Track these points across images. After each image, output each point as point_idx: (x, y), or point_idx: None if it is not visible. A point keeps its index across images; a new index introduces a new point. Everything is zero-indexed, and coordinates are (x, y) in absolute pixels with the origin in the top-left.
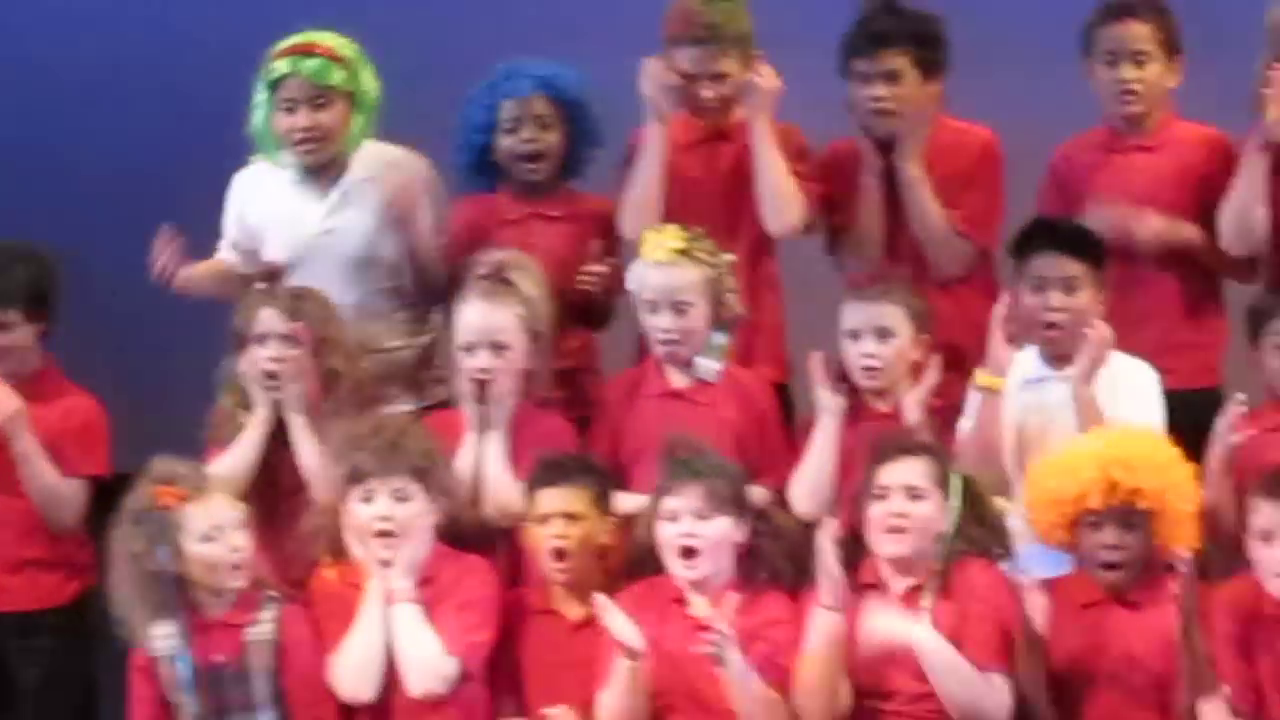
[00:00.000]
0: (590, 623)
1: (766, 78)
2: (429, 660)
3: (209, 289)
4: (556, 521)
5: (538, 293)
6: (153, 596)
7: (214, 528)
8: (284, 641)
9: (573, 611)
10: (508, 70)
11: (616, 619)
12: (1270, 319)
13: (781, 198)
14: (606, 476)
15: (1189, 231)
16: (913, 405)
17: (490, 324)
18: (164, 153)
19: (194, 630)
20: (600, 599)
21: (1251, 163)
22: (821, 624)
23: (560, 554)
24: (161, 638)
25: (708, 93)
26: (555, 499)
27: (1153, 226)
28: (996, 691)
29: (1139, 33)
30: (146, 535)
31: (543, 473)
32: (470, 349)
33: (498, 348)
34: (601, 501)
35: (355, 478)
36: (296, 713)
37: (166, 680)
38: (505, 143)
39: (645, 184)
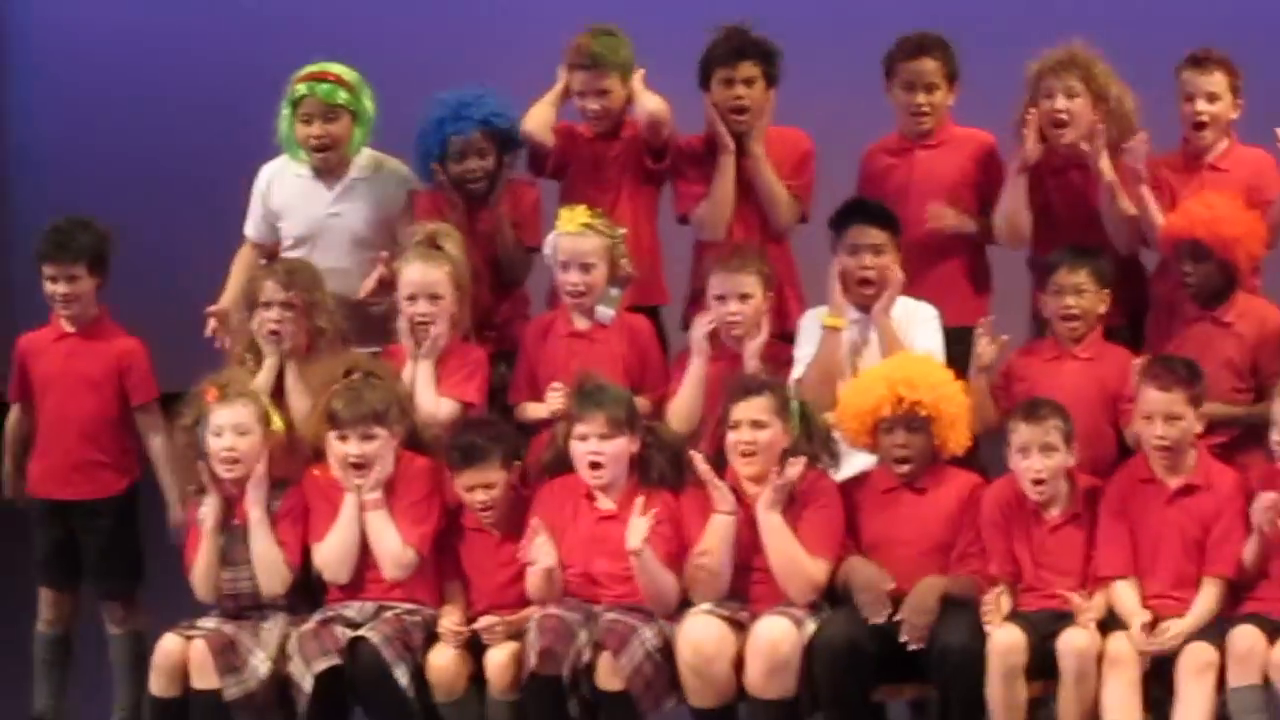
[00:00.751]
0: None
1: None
2: (394, 553)
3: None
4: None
5: (460, 255)
6: (193, 468)
7: (219, 426)
8: (275, 518)
9: None
10: (455, 110)
11: (539, 544)
12: (1053, 272)
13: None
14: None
15: (969, 224)
16: (752, 354)
17: (427, 279)
18: (195, 149)
19: (224, 499)
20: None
21: (1015, 182)
22: (719, 525)
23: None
24: (204, 504)
25: (594, 105)
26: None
27: (948, 219)
28: (814, 570)
29: (930, 67)
30: (191, 418)
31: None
32: (412, 298)
33: (432, 297)
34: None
35: (332, 423)
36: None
37: (204, 533)
38: (453, 169)
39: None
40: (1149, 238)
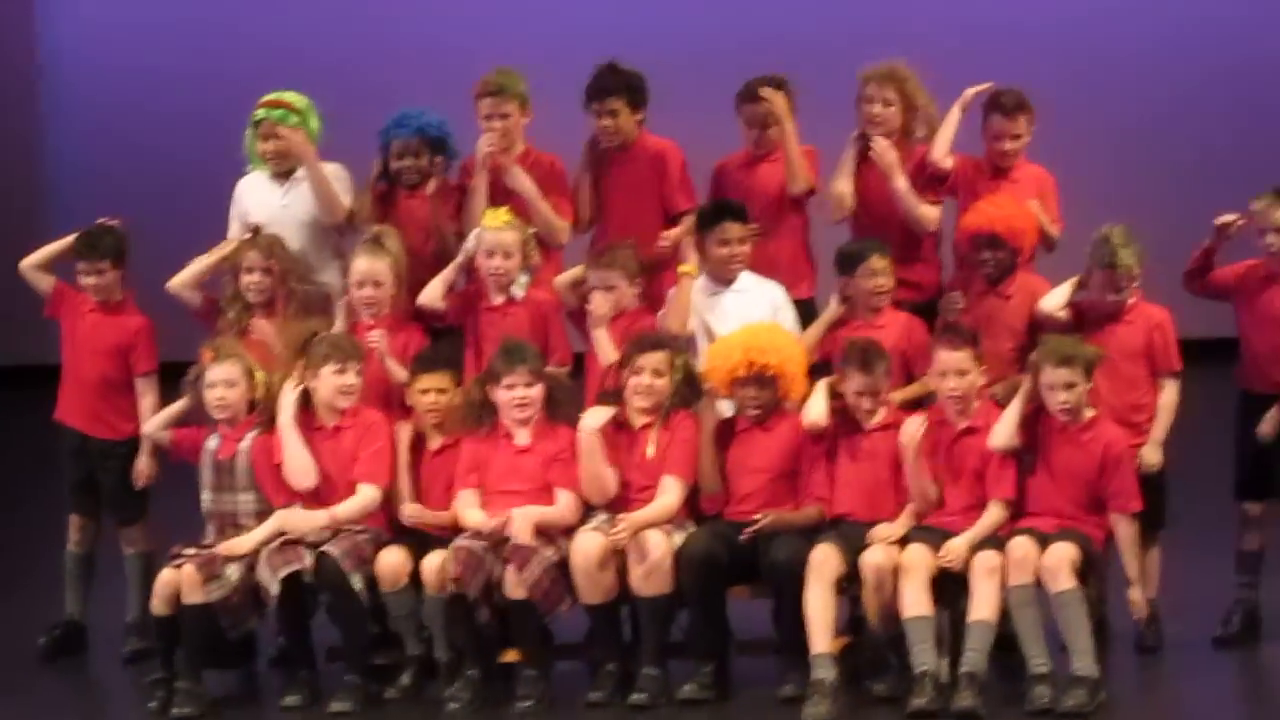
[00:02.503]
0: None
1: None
2: (305, 473)
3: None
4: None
5: (399, 250)
6: (204, 413)
7: (211, 380)
8: (253, 453)
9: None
10: (398, 120)
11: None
12: (864, 260)
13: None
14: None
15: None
16: (598, 321)
17: (372, 269)
18: (199, 160)
19: (221, 436)
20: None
21: (848, 157)
22: (584, 440)
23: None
24: (210, 438)
25: (497, 124)
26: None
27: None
28: (676, 487)
29: (767, 108)
30: (195, 374)
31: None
32: (360, 285)
33: (376, 284)
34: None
35: (331, 358)
36: (266, 494)
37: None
38: (393, 165)
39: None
40: (909, 219)
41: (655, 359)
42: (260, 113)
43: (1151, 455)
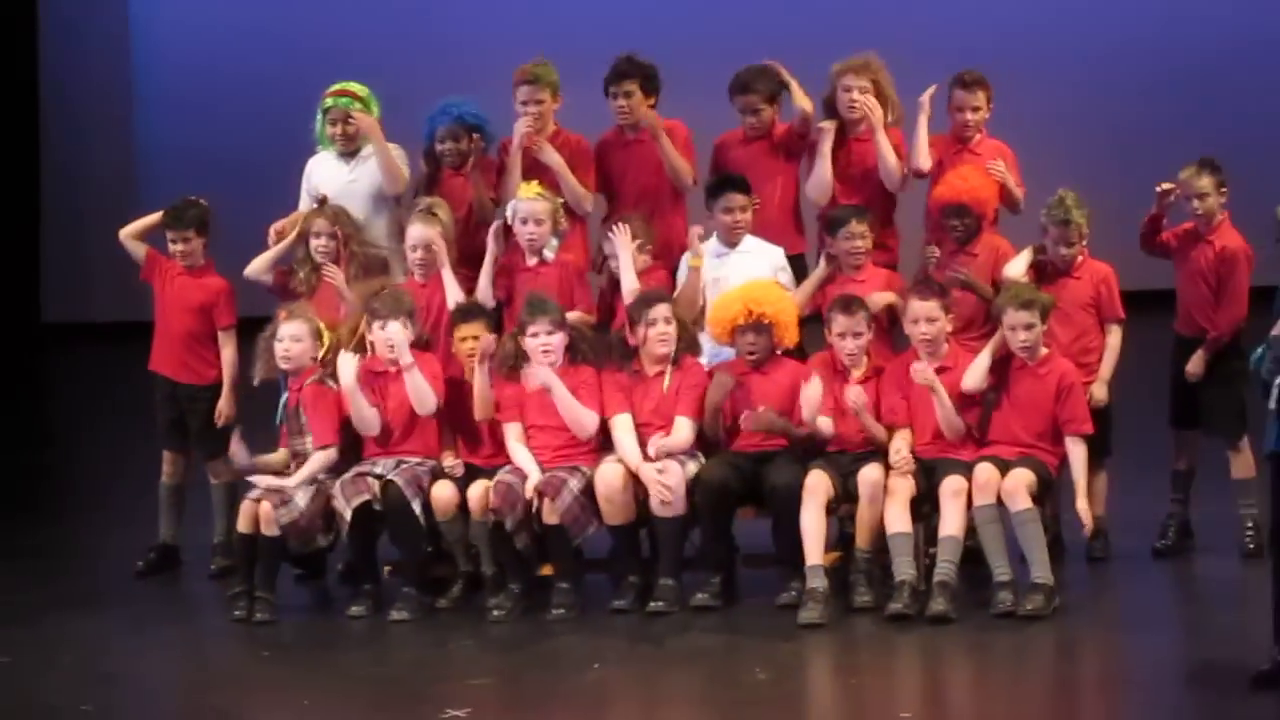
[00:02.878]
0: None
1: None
2: (427, 400)
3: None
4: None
5: (448, 219)
6: (273, 364)
7: (277, 334)
8: (305, 396)
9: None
10: (441, 110)
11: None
12: (845, 224)
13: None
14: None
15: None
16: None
17: (425, 235)
18: (265, 149)
19: (289, 388)
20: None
21: (823, 155)
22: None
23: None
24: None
25: (533, 109)
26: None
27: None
28: (688, 426)
29: (752, 101)
30: (270, 330)
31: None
32: (414, 249)
33: (429, 248)
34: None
35: (375, 315)
36: (312, 433)
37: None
38: (438, 148)
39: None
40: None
41: (663, 309)
42: (329, 100)
43: (1099, 391)
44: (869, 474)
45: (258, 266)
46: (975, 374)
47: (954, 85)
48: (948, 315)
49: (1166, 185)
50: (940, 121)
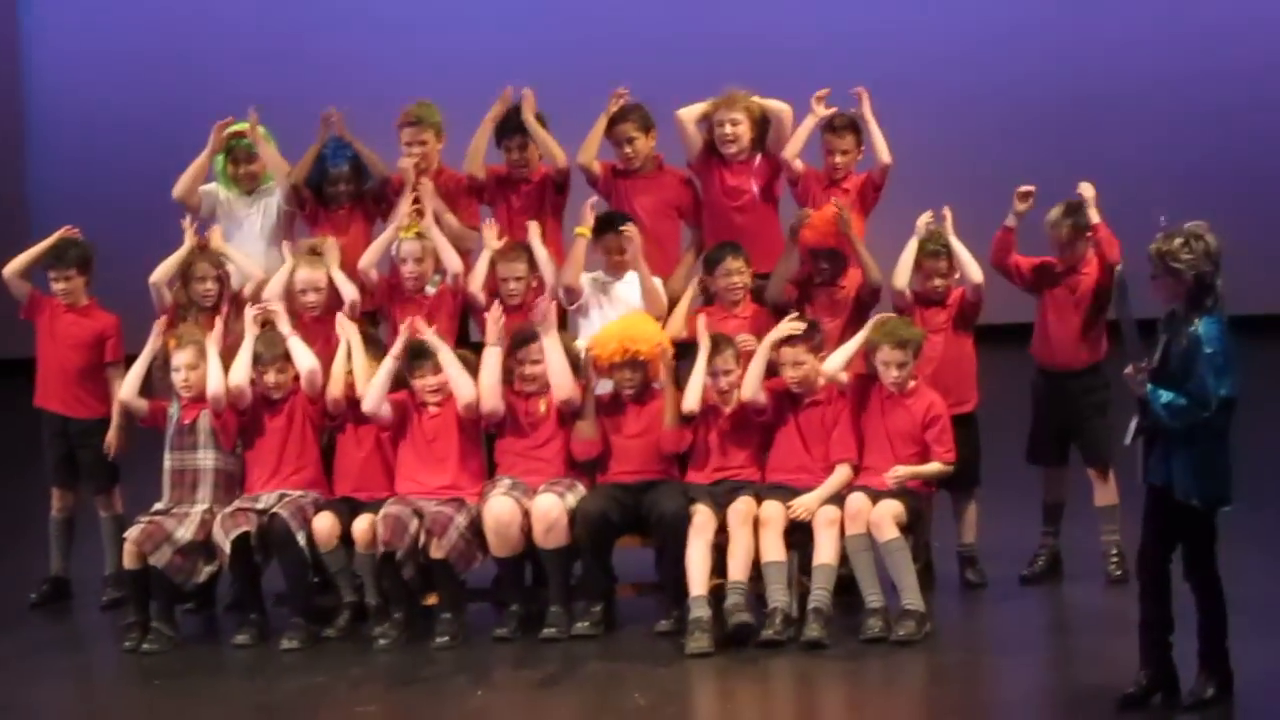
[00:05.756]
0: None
1: None
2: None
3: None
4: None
5: (335, 253)
6: (169, 389)
7: (175, 365)
8: (212, 423)
9: None
10: (334, 147)
11: None
12: (721, 262)
13: None
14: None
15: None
16: (495, 320)
17: (312, 278)
18: (153, 183)
19: (182, 405)
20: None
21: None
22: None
23: None
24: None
25: (416, 151)
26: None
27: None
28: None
29: (628, 128)
30: (160, 359)
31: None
32: (303, 292)
33: (317, 290)
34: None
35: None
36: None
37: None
38: (327, 189)
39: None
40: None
41: (535, 349)
42: (231, 142)
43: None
44: (738, 508)
45: (161, 275)
46: (837, 361)
47: (825, 130)
48: (816, 355)
49: (1027, 188)
50: (813, 155)
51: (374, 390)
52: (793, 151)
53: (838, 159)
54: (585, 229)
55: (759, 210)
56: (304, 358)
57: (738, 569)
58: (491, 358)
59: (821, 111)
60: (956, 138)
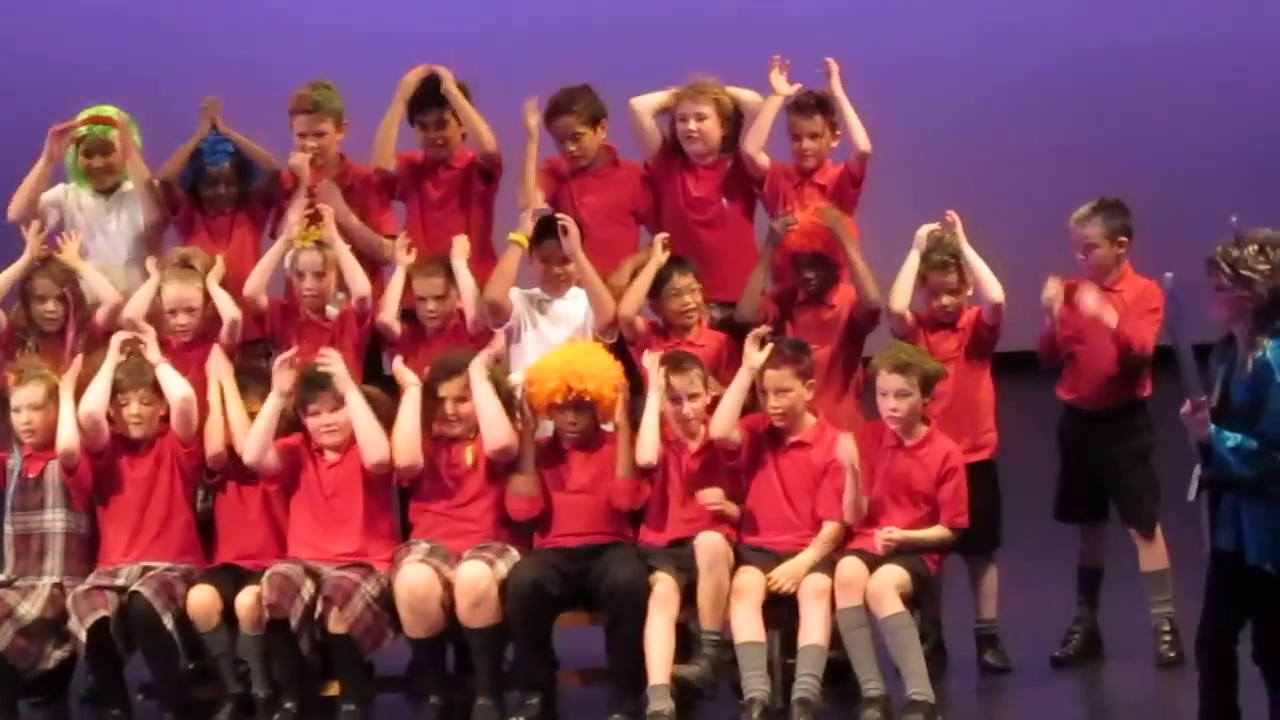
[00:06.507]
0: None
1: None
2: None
3: None
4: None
5: (208, 263)
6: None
7: (16, 404)
8: (63, 477)
9: None
10: (212, 145)
11: None
12: (664, 282)
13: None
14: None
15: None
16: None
17: (184, 296)
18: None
19: (25, 455)
20: None
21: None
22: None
23: None
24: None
25: (312, 144)
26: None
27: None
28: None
29: (570, 120)
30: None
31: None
32: (173, 312)
33: (190, 311)
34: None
35: (119, 388)
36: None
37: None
38: (205, 191)
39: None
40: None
41: (458, 385)
42: (83, 129)
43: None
44: (707, 541)
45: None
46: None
47: (790, 110)
48: (806, 382)
49: (1053, 288)
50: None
51: (256, 435)
52: (755, 143)
53: (806, 143)
54: (521, 235)
55: (730, 225)
56: (175, 385)
57: (708, 616)
58: (410, 401)
59: (784, 89)
60: (966, 127)
